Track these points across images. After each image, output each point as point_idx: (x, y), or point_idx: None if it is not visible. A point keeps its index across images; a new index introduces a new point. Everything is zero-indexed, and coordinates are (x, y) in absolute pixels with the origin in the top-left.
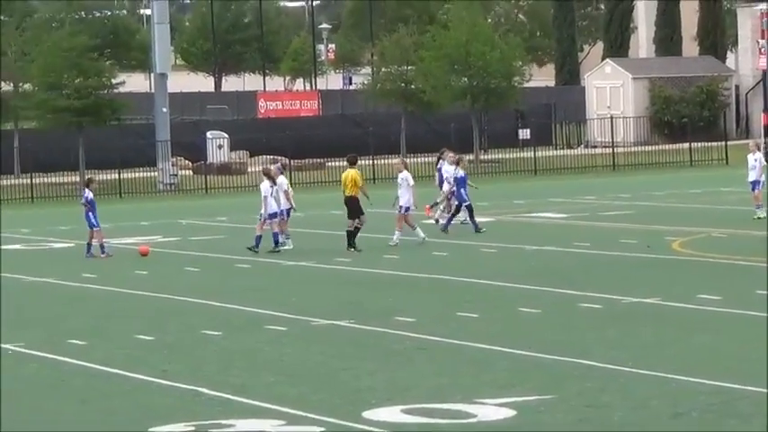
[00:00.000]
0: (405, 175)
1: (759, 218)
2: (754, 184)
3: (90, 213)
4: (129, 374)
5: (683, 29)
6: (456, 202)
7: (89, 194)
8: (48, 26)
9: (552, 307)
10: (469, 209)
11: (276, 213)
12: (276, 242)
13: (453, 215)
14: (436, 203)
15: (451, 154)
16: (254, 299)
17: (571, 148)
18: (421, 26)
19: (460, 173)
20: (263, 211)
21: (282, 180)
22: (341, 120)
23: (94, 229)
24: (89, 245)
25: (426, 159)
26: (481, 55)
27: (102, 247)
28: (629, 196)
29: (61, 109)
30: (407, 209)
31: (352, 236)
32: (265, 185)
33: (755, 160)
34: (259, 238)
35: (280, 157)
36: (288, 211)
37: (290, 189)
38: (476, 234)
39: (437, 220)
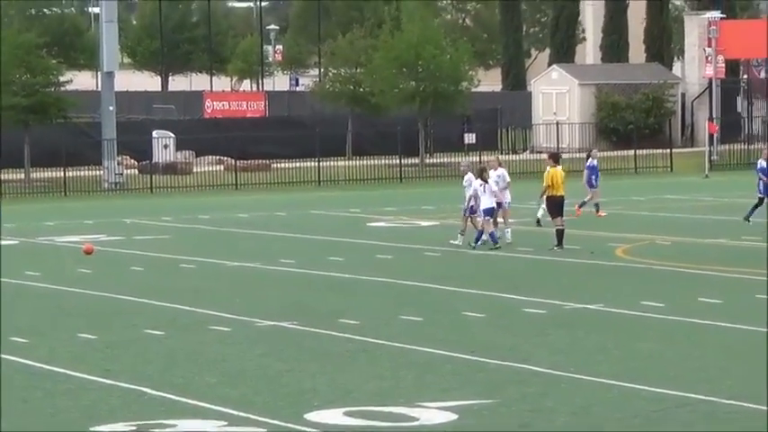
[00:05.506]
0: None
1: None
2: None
3: None
4: (72, 373)
5: (630, 36)
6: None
7: None
8: None
9: (496, 311)
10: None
11: (492, 209)
12: (478, 239)
13: None
14: (584, 203)
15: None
16: (199, 299)
17: (516, 153)
18: (370, 29)
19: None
20: (464, 205)
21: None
22: (287, 121)
23: None
24: None
25: (372, 162)
26: (431, 58)
27: None
28: (573, 201)
29: (8, 106)
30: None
31: (561, 234)
32: (470, 177)
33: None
34: (480, 233)
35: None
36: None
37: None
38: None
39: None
